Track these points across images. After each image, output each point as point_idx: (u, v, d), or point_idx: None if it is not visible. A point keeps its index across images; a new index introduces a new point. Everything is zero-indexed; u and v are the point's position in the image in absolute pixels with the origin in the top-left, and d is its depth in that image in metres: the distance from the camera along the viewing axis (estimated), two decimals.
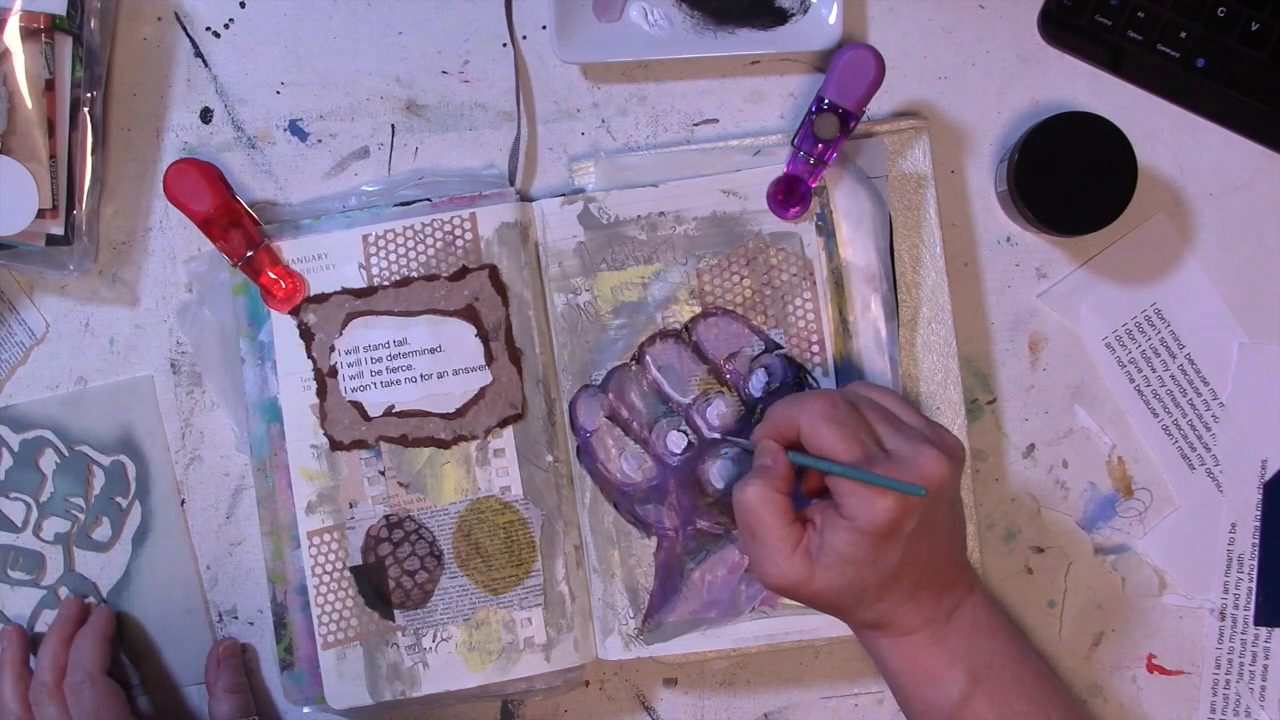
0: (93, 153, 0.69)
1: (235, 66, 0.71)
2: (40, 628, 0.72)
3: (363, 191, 0.71)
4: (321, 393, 0.68)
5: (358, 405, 0.68)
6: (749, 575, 0.68)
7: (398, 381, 0.68)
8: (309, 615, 0.68)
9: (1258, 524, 0.71)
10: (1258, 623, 0.71)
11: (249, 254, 0.67)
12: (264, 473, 0.69)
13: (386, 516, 0.68)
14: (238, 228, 0.67)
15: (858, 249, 0.68)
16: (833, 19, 0.68)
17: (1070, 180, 0.66)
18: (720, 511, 0.68)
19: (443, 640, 0.68)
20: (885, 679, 0.61)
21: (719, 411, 0.67)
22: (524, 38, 0.71)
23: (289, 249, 0.69)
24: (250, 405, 0.69)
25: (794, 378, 0.67)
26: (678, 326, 0.68)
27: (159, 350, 0.72)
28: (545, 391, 0.69)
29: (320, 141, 0.72)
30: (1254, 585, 0.71)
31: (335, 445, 0.68)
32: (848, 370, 0.68)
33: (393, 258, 0.68)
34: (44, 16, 0.65)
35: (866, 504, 0.55)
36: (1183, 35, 0.70)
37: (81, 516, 0.72)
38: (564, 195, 0.69)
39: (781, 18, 0.70)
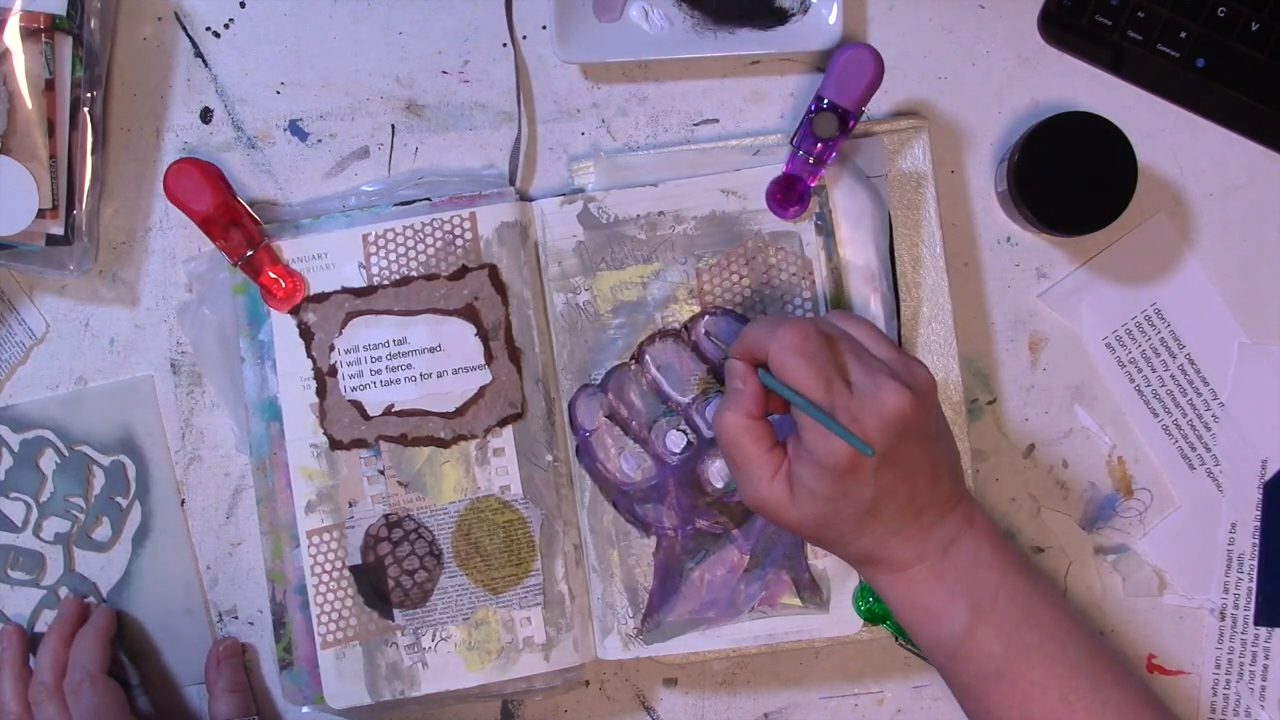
0: (93, 153, 0.69)
1: (235, 66, 0.72)
2: (40, 628, 0.72)
3: (363, 191, 0.71)
4: (321, 392, 0.68)
5: (357, 404, 0.68)
6: (748, 575, 0.68)
7: (397, 381, 0.68)
8: (308, 614, 0.68)
9: (1258, 524, 0.71)
10: (1258, 623, 0.71)
11: (249, 253, 0.67)
12: (263, 472, 0.69)
13: (386, 516, 0.68)
14: (238, 227, 0.67)
15: (857, 248, 0.68)
16: (832, 19, 0.68)
17: (1070, 180, 0.66)
18: (720, 511, 0.68)
19: (442, 640, 0.68)
20: (894, 615, 0.60)
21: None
22: (524, 38, 0.71)
23: (289, 248, 0.69)
24: (250, 404, 0.69)
25: None
26: (677, 326, 0.68)
27: (159, 350, 0.72)
28: (545, 391, 0.69)
29: (320, 141, 0.72)
30: (1254, 585, 0.71)
31: (335, 444, 0.68)
32: None
33: (392, 257, 0.68)
34: (44, 16, 0.66)
35: (823, 441, 0.55)
36: (1183, 35, 0.70)
37: (81, 516, 0.72)
38: (564, 195, 0.69)
39: (781, 18, 0.70)
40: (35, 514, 0.72)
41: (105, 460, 0.72)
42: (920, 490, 0.58)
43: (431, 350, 0.68)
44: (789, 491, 0.57)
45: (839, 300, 0.68)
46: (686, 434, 0.67)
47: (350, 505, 0.68)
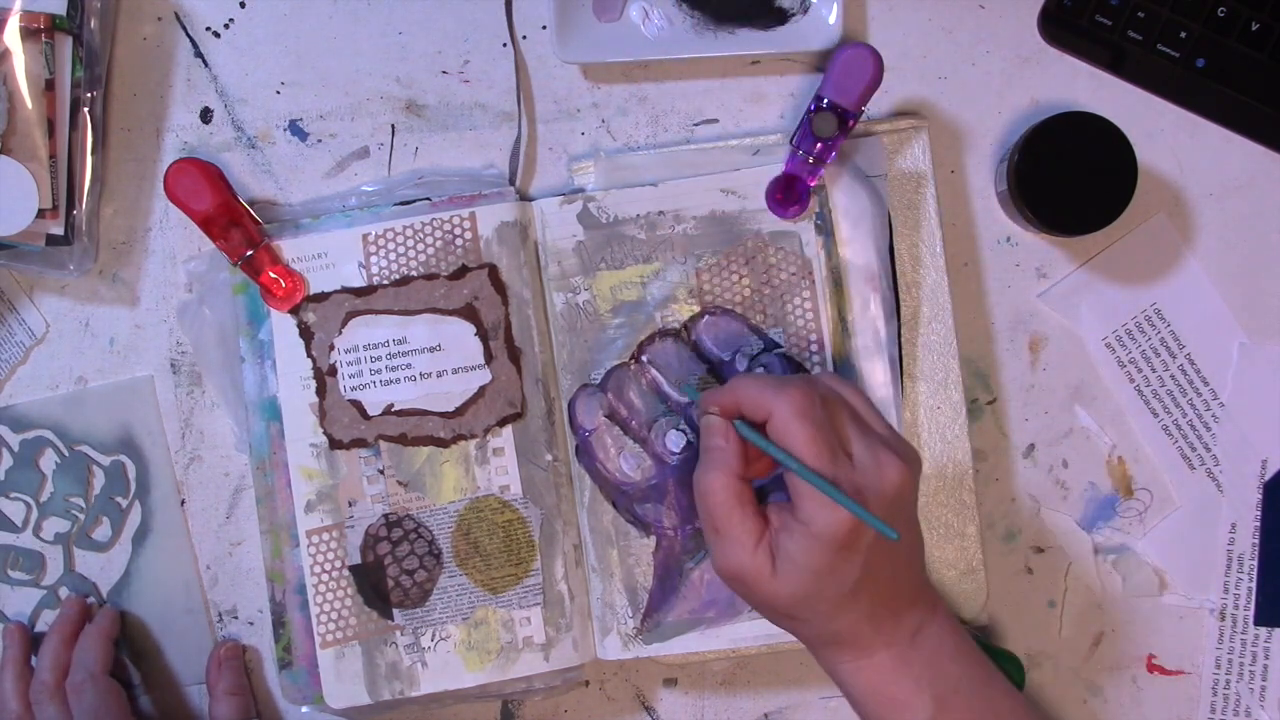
0: (93, 153, 0.69)
1: (235, 66, 0.72)
2: (40, 628, 0.72)
3: (362, 191, 0.71)
4: (321, 391, 0.68)
5: (357, 404, 0.68)
6: None
7: (397, 380, 0.68)
8: (308, 614, 0.68)
9: (1258, 524, 0.71)
10: (1258, 623, 0.71)
11: (249, 253, 0.67)
12: (263, 471, 0.69)
13: (385, 515, 0.68)
14: (238, 227, 0.67)
15: (857, 248, 0.68)
16: (832, 19, 0.68)
17: (1070, 180, 0.66)
18: None
19: (441, 639, 0.68)
20: (850, 704, 0.59)
21: None
22: (524, 38, 0.71)
23: (289, 248, 0.69)
24: (250, 404, 0.69)
25: None
26: (677, 325, 0.68)
27: (159, 350, 0.72)
28: (544, 390, 0.69)
29: (320, 141, 0.72)
30: (1254, 585, 0.71)
31: (334, 444, 0.68)
32: (847, 370, 0.68)
33: (392, 257, 0.68)
34: (44, 16, 0.66)
35: (825, 511, 0.53)
36: (1183, 35, 0.70)
37: (81, 516, 0.72)
38: (564, 195, 0.69)
39: (781, 18, 0.70)
40: (35, 514, 0.72)
41: (105, 460, 0.72)
42: (901, 572, 0.57)
43: (431, 350, 0.68)
44: (771, 563, 0.54)
45: (839, 300, 0.68)
46: (686, 434, 0.67)
47: (350, 505, 0.68)
